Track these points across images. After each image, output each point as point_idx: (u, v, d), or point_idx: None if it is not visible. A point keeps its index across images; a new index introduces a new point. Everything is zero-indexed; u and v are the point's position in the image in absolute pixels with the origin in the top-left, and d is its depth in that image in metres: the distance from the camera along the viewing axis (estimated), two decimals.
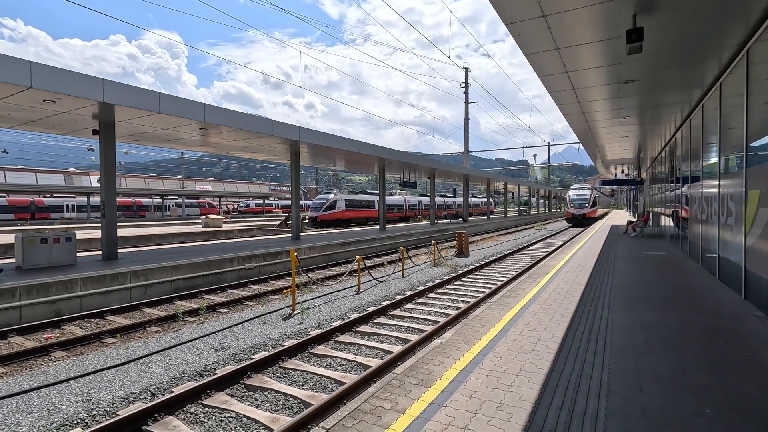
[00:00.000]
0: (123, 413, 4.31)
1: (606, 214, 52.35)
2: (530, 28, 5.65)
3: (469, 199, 40.73)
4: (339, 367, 5.64)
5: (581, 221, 34.04)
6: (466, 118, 39.38)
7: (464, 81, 39.15)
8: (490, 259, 15.41)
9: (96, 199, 40.68)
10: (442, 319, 7.57)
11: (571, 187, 39.81)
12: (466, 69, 39.19)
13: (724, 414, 3.15)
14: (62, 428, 4.15)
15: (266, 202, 63.40)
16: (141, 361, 5.81)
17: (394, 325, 7.52)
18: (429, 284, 10.79)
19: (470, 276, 12.30)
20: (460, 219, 34.97)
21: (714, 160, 8.19)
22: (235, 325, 7.38)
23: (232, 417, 4.39)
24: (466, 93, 39.20)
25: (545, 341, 4.85)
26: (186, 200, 55.75)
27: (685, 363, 4.11)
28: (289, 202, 55.65)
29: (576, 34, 5.86)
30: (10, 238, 17.51)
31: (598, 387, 3.65)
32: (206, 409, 4.57)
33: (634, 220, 22.49)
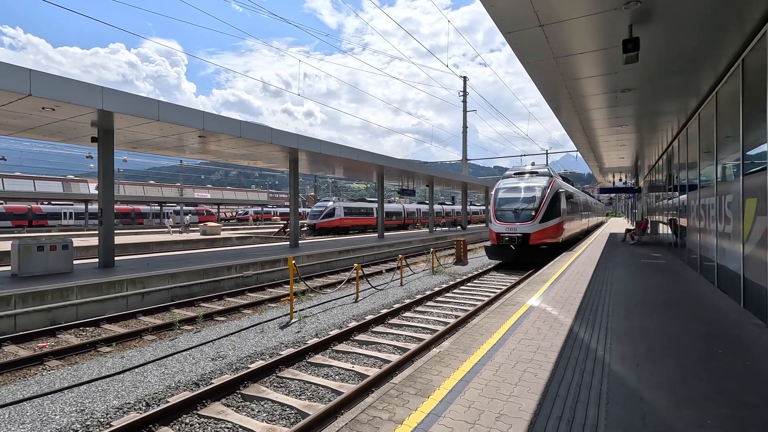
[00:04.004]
0: (117, 424, 4.25)
1: (593, 229, 32.87)
2: (527, 38, 5.70)
3: (468, 207, 40.79)
4: (336, 377, 5.59)
5: (519, 254, 14.49)
6: (464, 127, 39.58)
7: (462, 89, 39.41)
8: (489, 266, 15.37)
9: (94, 207, 40.58)
10: (441, 328, 7.53)
11: (504, 175, 17.89)
12: (465, 78, 39.48)
13: (725, 423, 3.12)
14: None
15: (264, 209, 63.27)
16: (136, 370, 5.75)
17: (393, 333, 7.48)
18: (427, 292, 10.75)
19: (469, 284, 12.26)
20: (459, 227, 34.96)
21: (711, 168, 8.22)
22: (232, 334, 7.32)
23: (228, 428, 4.33)
24: (464, 101, 39.43)
25: (544, 350, 4.82)
26: (184, 207, 55.65)
27: (684, 372, 4.09)
28: (287, 210, 55.63)
29: (573, 44, 5.91)
30: (6, 246, 17.42)
31: (597, 397, 3.62)
32: (202, 419, 4.51)
33: (633, 227, 22.51)
